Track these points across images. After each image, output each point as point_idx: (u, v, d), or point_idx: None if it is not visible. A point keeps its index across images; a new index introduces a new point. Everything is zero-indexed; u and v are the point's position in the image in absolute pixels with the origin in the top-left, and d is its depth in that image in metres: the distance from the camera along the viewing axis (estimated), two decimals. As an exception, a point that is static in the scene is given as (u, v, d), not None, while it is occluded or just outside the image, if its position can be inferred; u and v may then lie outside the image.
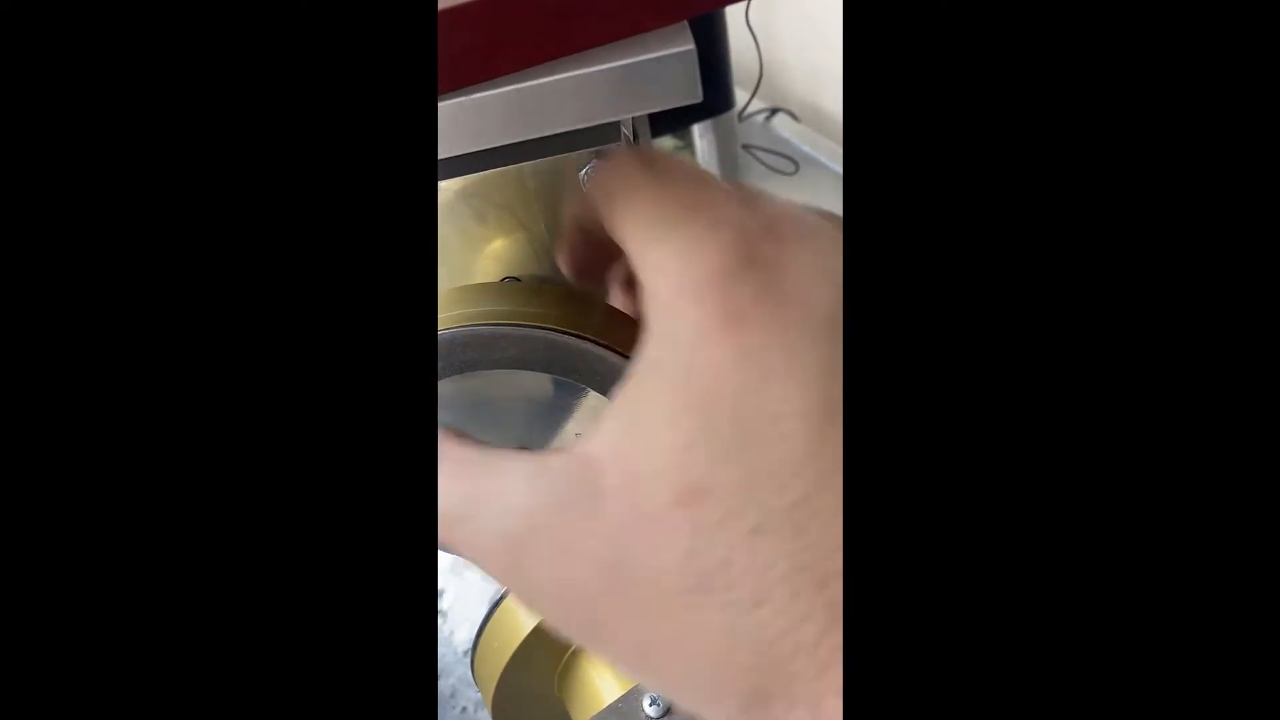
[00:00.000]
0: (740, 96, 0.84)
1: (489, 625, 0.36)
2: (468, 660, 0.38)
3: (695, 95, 0.17)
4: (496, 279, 0.27)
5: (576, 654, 0.36)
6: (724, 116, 0.65)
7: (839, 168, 0.74)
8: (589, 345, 0.22)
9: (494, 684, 0.36)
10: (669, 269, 0.16)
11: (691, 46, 0.16)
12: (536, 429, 0.24)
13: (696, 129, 0.66)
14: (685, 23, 0.17)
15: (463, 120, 0.17)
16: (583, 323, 0.22)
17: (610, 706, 0.31)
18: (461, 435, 0.18)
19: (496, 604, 0.35)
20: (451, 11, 0.16)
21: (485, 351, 0.22)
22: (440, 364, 0.22)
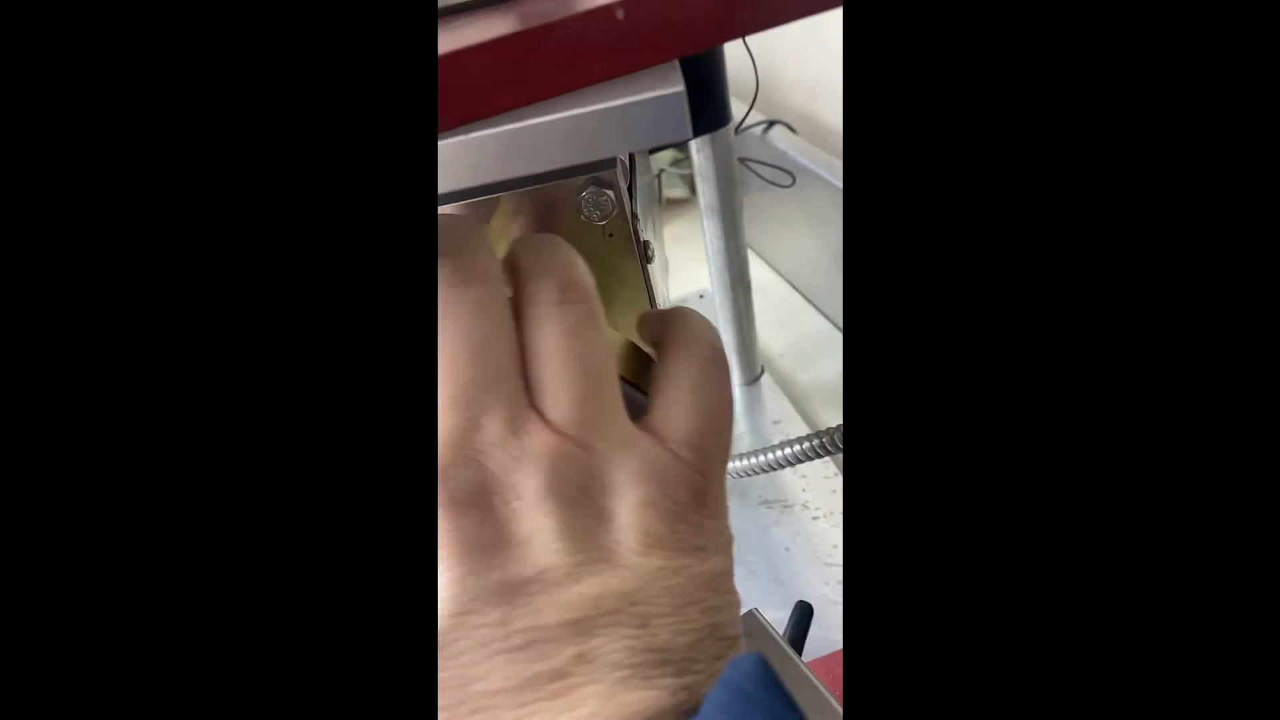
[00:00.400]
0: (737, 108, 0.84)
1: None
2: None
3: (685, 134, 0.17)
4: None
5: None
6: (721, 130, 0.66)
7: (836, 180, 0.75)
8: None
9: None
10: None
11: (681, 88, 0.17)
12: None
13: (694, 144, 0.67)
14: (676, 62, 0.18)
15: (462, 157, 0.18)
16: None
17: None
18: None
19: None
20: (450, 56, 0.17)
21: None
22: None
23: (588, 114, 0.17)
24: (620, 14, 0.17)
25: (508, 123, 0.17)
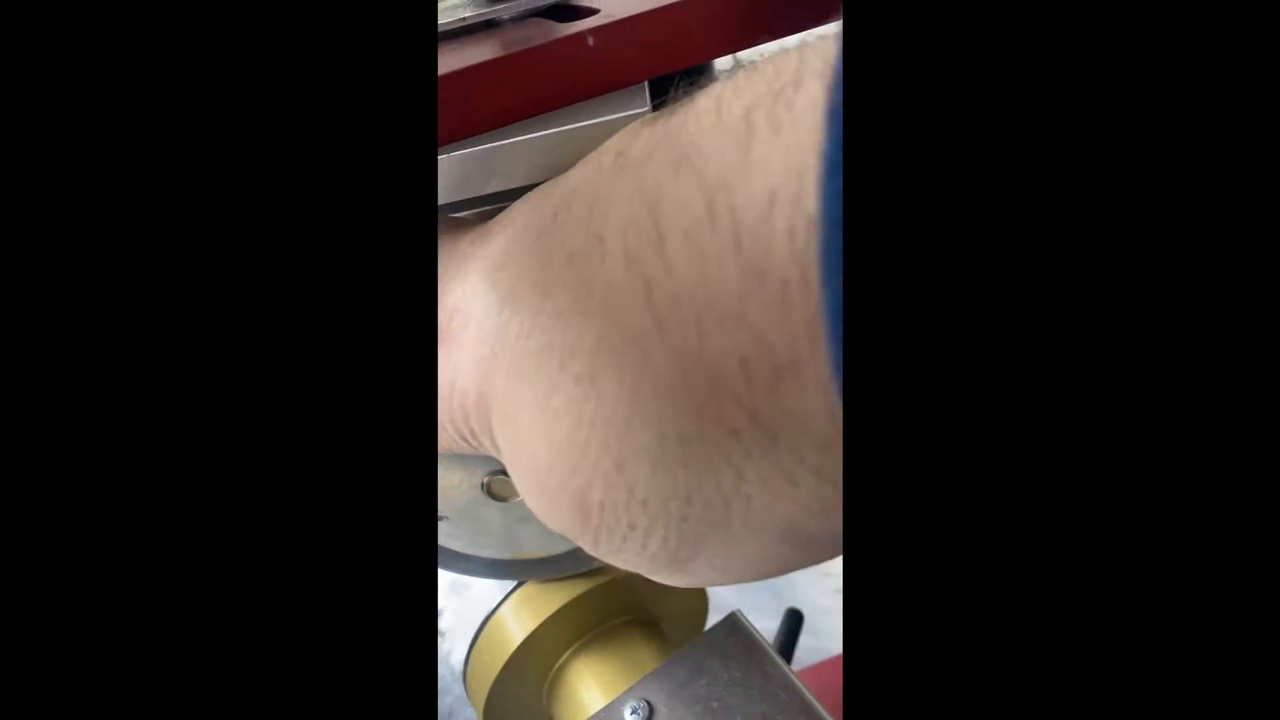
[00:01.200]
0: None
1: (480, 640, 0.37)
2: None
3: (651, 151, 0.19)
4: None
5: (564, 667, 0.38)
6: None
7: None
8: None
9: (485, 698, 0.37)
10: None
11: (647, 108, 0.18)
12: None
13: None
14: (645, 84, 0.19)
15: (449, 173, 0.19)
16: None
17: (592, 717, 0.32)
18: None
19: (488, 619, 0.37)
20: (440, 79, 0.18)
21: None
22: None
23: (557, 134, 0.18)
24: (590, 41, 0.18)
25: (484, 142, 0.19)
